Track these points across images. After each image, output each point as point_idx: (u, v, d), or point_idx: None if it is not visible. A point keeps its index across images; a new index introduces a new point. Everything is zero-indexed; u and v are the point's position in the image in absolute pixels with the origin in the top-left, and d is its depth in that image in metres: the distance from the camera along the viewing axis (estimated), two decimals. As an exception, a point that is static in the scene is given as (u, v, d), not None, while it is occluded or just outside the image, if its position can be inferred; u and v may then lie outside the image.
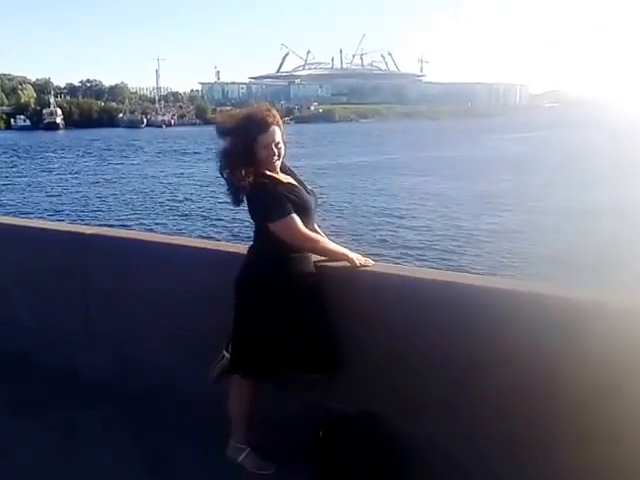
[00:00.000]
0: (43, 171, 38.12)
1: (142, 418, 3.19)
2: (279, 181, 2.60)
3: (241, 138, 2.55)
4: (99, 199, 25.96)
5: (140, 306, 3.49)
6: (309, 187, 2.74)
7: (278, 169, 2.63)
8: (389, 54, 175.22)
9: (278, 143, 2.57)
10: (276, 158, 2.58)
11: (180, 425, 3.10)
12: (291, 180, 2.68)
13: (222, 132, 2.61)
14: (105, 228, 5.06)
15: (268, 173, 2.59)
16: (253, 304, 2.64)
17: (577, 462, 2.33)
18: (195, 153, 47.08)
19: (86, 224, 14.65)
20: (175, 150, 51.32)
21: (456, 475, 2.51)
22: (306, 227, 2.59)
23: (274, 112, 2.61)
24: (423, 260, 13.88)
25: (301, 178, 2.76)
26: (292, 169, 2.75)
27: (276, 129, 2.57)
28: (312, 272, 2.69)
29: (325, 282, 2.72)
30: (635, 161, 27.30)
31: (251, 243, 2.77)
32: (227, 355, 2.83)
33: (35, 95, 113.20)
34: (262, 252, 2.68)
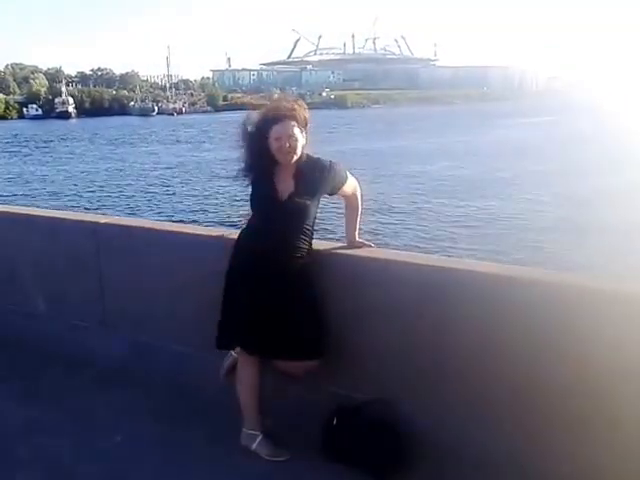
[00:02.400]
0: (56, 160, 38.37)
1: (156, 404, 3.22)
2: (266, 177, 2.65)
3: (260, 126, 2.61)
4: (112, 188, 26.10)
5: (153, 294, 3.51)
6: (304, 198, 2.62)
7: (289, 162, 2.61)
8: (402, 38, 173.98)
9: (292, 137, 2.56)
10: (287, 151, 2.57)
11: (193, 410, 3.13)
12: (279, 182, 2.64)
13: (250, 117, 2.69)
14: (119, 217, 5.10)
15: (274, 166, 2.64)
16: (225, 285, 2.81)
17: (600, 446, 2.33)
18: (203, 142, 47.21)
19: (100, 213, 14.76)
20: (187, 140, 51.28)
21: (469, 461, 2.51)
22: (261, 226, 2.69)
23: (298, 107, 2.61)
24: (432, 246, 13.85)
25: (312, 184, 2.65)
26: (316, 169, 2.65)
27: (294, 123, 2.57)
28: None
29: (325, 268, 2.78)
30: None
31: None
32: (233, 354, 2.93)
33: (47, 84, 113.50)
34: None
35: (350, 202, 2.85)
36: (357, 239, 2.89)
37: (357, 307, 2.81)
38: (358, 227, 2.88)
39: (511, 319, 2.42)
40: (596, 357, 2.26)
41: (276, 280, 2.68)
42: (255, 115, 2.68)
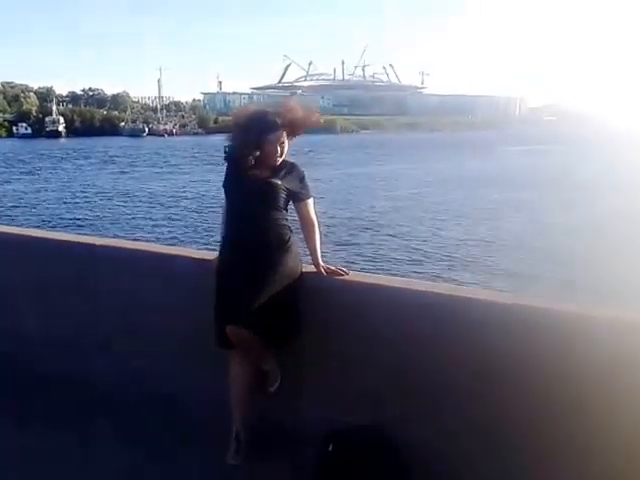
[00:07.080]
0: (46, 180, 38.18)
1: (152, 427, 3.21)
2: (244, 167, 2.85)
3: (254, 132, 2.81)
4: (104, 209, 26.00)
5: (146, 315, 3.52)
6: (278, 181, 2.83)
7: (274, 165, 2.86)
8: (390, 66, 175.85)
9: (283, 142, 2.85)
10: (278, 155, 2.85)
11: (191, 433, 3.13)
12: (256, 174, 2.83)
13: (238, 123, 2.91)
14: (114, 239, 5.12)
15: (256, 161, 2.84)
16: None
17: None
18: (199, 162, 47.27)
19: (95, 234, 14.67)
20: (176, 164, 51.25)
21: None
22: (230, 208, 2.93)
23: (286, 114, 2.85)
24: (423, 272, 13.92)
25: (284, 179, 2.86)
26: (291, 169, 2.90)
27: (286, 132, 2.86)
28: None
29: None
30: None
31: None
32: None
33: (37, 103, 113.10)
34: None
35: (307, 223, 2.96)
36: (321, 264, 2.96)
37: (345, 332, 2.88)
38: (320, 252, 2.97)
39: (508, 345, 2.46)
40: (596, 383, 2.31)
41: (244, 264, 2.84)
42: (251, 119, 2.86)
